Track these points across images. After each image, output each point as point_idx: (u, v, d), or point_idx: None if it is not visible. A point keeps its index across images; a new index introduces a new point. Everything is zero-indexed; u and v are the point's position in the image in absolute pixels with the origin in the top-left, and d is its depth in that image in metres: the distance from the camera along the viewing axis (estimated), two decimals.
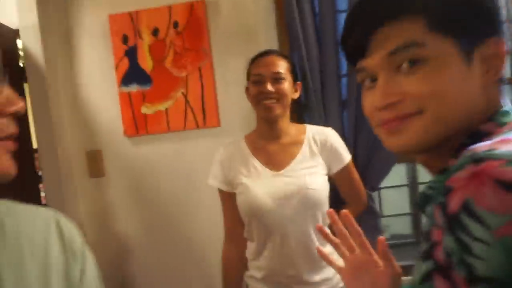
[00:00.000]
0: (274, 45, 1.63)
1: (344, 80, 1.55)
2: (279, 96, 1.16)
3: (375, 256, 0.66)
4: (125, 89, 1.73)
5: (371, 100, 0.50)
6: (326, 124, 1.41)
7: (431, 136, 0.47)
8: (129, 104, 1.73)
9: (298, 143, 1.21)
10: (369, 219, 1.41)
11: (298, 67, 1.45)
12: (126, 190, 1.78)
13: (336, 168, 1.23)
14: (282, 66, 1.18)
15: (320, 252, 0.75)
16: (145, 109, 1.73)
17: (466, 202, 0.34)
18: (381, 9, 0.48)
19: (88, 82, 1.77)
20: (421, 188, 0.61)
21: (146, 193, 1.77)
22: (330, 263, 0.73)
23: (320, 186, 1.17)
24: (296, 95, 1.23)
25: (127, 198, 1.78)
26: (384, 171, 1.50)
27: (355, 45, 0.51)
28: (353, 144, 1.48)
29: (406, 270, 0.67)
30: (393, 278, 0.63)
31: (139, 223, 1.78)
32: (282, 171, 1.18)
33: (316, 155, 1.20)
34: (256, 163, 1.21)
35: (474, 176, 0.35)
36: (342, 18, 1.57)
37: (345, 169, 1.24)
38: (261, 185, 1.17)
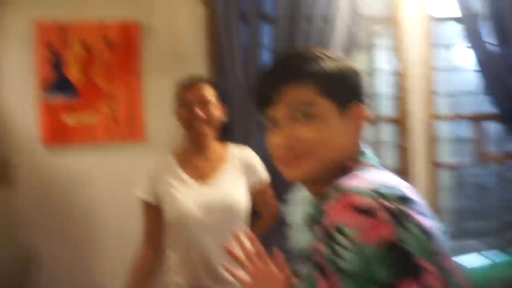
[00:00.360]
0: (203, 69, 1.75)
1: None
2: (207, 119, 1.27)
3: (273, 267, 0.79)
4: (48, 98, 1.70)
5: (274, 139, 0.65)
6: (247, 144, 1.55)
7: (314, 172, 0.63)
8: (50, 113, 1.70)
9: (222, 159, 1.33)
10: (279, 230, 1.56)
11: (224, 92, 1.58)
12: (39, 201, 1.72)
13: (254, 184, 1.36)
14: (209, 92, 1.30)
15: (226, 269, 0.87)
16: (69, 120, 1.71)
17: (334, 222, 0.51)
18: (285, 74, 0.64)
19: (5, 88, 1.70)
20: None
21: (61, 204, 1.73)
22: (235, 277, 0.84)
23: (241, 199, 1.30)
24: (223, 118, 1.35)
25: (40, 209, 1.71)
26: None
27: (264, 97, 0.66)
28: (269, 163, 1.63)
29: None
30: (287, 285, 0.77)
31: (51, 236, 1.72)
32: (208, 183, 1.29)
33: (238, 171, 1.33)
34: (184, 176, 1.30)
35: (339, 203, 0.52)
36: (265, 53, 1.77)
37: (262, 186, 1.39)
38: (188, 195, 1.26)
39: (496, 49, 1.92)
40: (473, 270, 1.88)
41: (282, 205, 1.59)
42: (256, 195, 1.38)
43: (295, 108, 0.63)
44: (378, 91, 2.09)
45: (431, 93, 2.02)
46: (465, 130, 2.17)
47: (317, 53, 0.65)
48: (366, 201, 0.50)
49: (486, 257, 1.97)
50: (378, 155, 2.00)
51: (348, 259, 0.48)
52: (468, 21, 1.92)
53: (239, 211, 1.29)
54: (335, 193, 0.55)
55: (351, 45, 1.81)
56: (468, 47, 1.98)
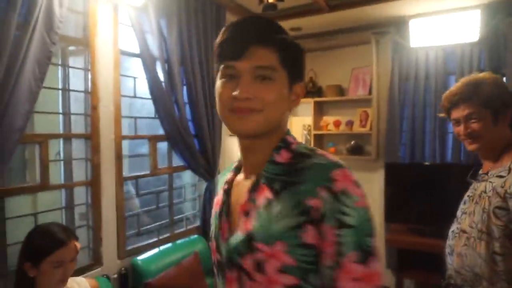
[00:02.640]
0: None
1: None
2: None
3: None
4: None
5: (229, 90, 0.71)
6: None
7: (262, 128, 0.72)
8: None
9: None
10: None
11: None
12: None
13: None
14: None
15: None
16: None
17: (344, 188, 0.65)
18: (257, 34, 0.71)
19: None
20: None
21: None
22: None
23: None
24: None
25: None
26: None
27: (232, 50, 0.71)
28: None
29: None
30: None
31: None
32: None
33: None
34: None
35: (344, 175, 0.66)
36: None
37: None
38: None
39: (164, 84, 2.47)
40: (148, 259, 2.31)
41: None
42: None
43: (258, 67, 0.70)
44: (70, 108, 2.16)
45: (118, 115, 2.31)
46: (144, 147, 2.62)
47: (279, 24, 0.74)
48: (355, 178, 0.68)
49: (159, 250, 2.46)
50: (70, 169, 2.08)
51: (351, 214, 0.64)
52: (146, 58, 2.37)
53: None
54: (336, 167, 0.67)
55: (46, 60, 1.80)
56: (146, 80, 2.43)
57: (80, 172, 2.20)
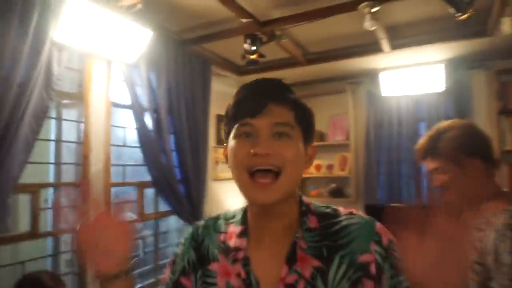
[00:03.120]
0: None
1: None
2: None
3: None
4: None
5: (247, 148, 0.69)
6: None
7: (284, 195, 0.71)
8: None
9: None
10: None
11: None
12: None
13: None
14: None
15: None
16: None
17: (389, 238, 0.71)
18: (274, 92, 0.73)
19: None
20: None
21: None
22: None
23: None
24: None
25: None
26: None
27: (250, 108, 0.70)
28: None
29: None
30: None
31: None
32: None
33: None
34: None
35: (382, 227, 0.72)
36: None
37: None
38: None
39: (152, 133, 2.61)
40: None
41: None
42: None
43: (277, 124, 0.70)
44: (63, 157, 2.26)
45: (108, 164, 2.42)
46: (131, 193, 2.70)
47: (290, 85, 0.77)
48: None
49: None
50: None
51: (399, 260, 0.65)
52: (136, 109, 2.52)
53: None
54: (374, 222, 0.73)
55: (43, 114, 1.92)
56: (135, 129, 2.57)
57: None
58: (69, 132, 2.29)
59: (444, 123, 1.29)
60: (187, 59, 2.89)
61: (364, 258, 0.68)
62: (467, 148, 1.19)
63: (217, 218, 0.85)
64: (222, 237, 0.80)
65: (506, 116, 3.07)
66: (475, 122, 3.14)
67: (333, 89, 3.75)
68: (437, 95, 3.31)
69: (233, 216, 0.83)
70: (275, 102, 0.71)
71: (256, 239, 0.76)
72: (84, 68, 2.29)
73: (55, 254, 2.21)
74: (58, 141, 2.26)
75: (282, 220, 0.74)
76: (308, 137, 0.75)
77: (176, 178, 2.77)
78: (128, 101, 2.50)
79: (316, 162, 3.82)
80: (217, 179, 3.44)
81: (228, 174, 3.68)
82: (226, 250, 0.77)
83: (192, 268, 0.80)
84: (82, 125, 2.28)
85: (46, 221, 2.24)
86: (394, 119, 3.47)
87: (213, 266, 0.77)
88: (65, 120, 2.28)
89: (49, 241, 2.23)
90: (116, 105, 2.54)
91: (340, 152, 3.69)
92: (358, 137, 3.63)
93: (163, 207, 2.84)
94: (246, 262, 0.74)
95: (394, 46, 2.79)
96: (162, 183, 2.66)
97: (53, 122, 2.25)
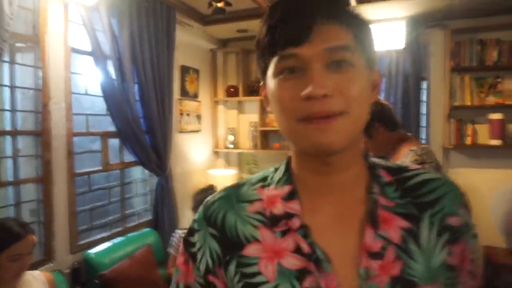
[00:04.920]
0: None
1: None
2: None
3: None
4: None
5: (294, 90, 0.49)
6: None
7: (350, 138, 0.51)
8: None
9: None
10: None
11: None
12: None
13: None
14: None
15: None
16: None
17: (468, 200, 0.57)
18: (326, 6, 0.50)
19: None
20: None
21: None
22: None
23: None
24: None
25: None
26: None
27: (292, 33, 0.49)
28: None
29: None
30: None
31: None
32: None
33: None
34: None
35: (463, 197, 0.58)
36: None
37: None
38: None
39: (116, 82, 2.53)
40: (101, 252, 2.37)
41: None
42: None
43: (332, 49, 0.49)
44: (20, 104, 2.15)
45: (69, 113, 2.34)
46: (96, 143, 2.65)
47: None
48: None
49: (112, 243, 2.52)
50: (18, 166, 2.08)
51: (474, 225, 0.58)
52: (97, 56, 2.41)
53: None
54: (455, 183, 0.58)
55: None
56: (98, 77, 2.47)
57: (29, 170, 2.20)
58: (26, 78, 2.17)
59: None
60: (150, 5, 2.76)
61: (453, 221, 0.55)
62: (375, 120, 1.70)
63: (237, 187, 0.63)
64: (255, 206, 0.58)
65: (457, 74, 3.27)
66: (430, 80, 3.36)
67: None
68: (396, 52, 3.43)
69: (264, 178, 0.62)
70: (327, 20, 0.50)
71: (310, 200, 0.56)
72: (39, 7, 2.14)
73: (17, 204, 2.17)
74: (13, 87, 2.14)
75: (346, 174, 0.56)
76: (372, 60, 0.55)
77: (142, 128, 2.75)
78: (88, 47, 2.38)
79: None
80: (182, 131, 3.44)
81: (193, 126, 3.75)
82: (270, 221, 0.56)
83: (218, 262, 0.57)
84: (39, 71, 2.16)
85: (6, 170, 2.17)
86: None
87: (250, 250, 0.55)
88: (20, 64, 2.15)
89: (9, 191, 2.18)
90: (76, 50, 2.41)
91: None
92: None
93: (129, 157, 2.82)
94: (305, 232, 0.53)
95: (360, 0, 2.82)
96: (127, 133, 2.63)
97: (6, 66, 2.12)
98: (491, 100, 3.16)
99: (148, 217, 3.10)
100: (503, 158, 3.16)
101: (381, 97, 3.55)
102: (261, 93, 0.61)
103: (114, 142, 2.76)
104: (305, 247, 0.52)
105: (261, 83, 0.59)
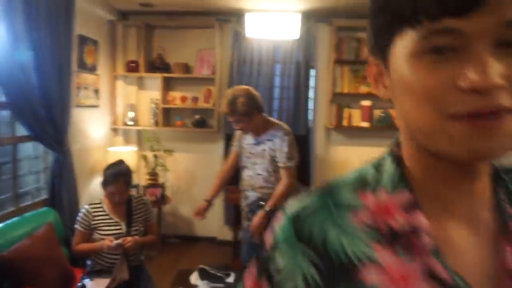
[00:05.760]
0: None
1: None
2: None
3: None
4: None
5: (449, 76, 0.36)
6: None
7: None
8: None
9: None
10: None
11: None
12: None
13: None
14: None
15: None
16: None
17: None
18: None
19: None
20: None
21: None
22: None
23: None
24: None
25: None
26: None
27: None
28: None
29: None
30: None
31: None
32: None
33: None
34: None
35: None
36: None
37: None
38: None
39: (7, 45, 2.27)
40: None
41: None
42: None
43: (509, 25, 0.35)
44: None
45: None
46: None
47: None
48: None
49: (6, 224, 2.31)
50: None
51: None
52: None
53: None
54: None
55: None
56: None
57: None
58: None
59: (234, 90, 2.37)
60: None
61: None
62: (250, 106, 2.29)
63: (330, 190, 0.48)
64: (361, 216, 0.45)
65: (339, 65, 3.82)
66: (317, 69, 3.84)
67: (202, 23, 3.85)
68: (291, 41, 3.81)
69: (363, 179, 0.48)
70: None
71: (434, 212, 0.45)
72: None
73: None
74: None
75: (479, 181, 0.45)
76: None
77: (37, 100, 2.52)
78: None
79: (181, 93, 3.95)
80: (79, 105, 3.23)
81: (91, 100, 3.57)
82: (388, 237, 0.43)
83: None
84: None
85: None
86: (255, 59, 3.85)
87: (369, 276, 0.42)
88: None
89: None
90: None
91: (205, 85, 3.91)
92: (223, 72, 3.90)
93: (22, 131, 2.57)
94: (436, 251, 0.42)
95: None
96: (20, 104, 2.39)
97: None
98: (364, 89, 3.79)
99: (42, 196, 2.88)
100: (371, 138, 3.85)
101: (275, 83, 3.93)
102: (370, 71, 0.47)
103: (4, 114, 2.48)
104: (441, 272, 0.41)
105: (370, 58, 0.47)
